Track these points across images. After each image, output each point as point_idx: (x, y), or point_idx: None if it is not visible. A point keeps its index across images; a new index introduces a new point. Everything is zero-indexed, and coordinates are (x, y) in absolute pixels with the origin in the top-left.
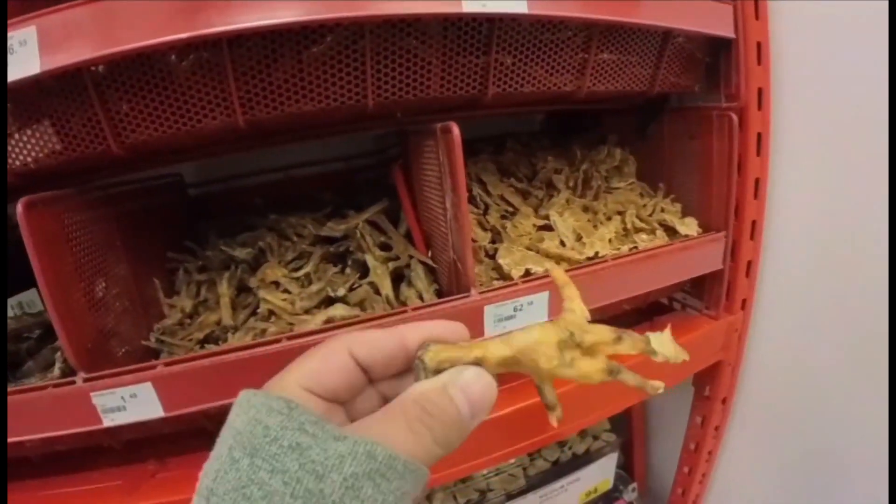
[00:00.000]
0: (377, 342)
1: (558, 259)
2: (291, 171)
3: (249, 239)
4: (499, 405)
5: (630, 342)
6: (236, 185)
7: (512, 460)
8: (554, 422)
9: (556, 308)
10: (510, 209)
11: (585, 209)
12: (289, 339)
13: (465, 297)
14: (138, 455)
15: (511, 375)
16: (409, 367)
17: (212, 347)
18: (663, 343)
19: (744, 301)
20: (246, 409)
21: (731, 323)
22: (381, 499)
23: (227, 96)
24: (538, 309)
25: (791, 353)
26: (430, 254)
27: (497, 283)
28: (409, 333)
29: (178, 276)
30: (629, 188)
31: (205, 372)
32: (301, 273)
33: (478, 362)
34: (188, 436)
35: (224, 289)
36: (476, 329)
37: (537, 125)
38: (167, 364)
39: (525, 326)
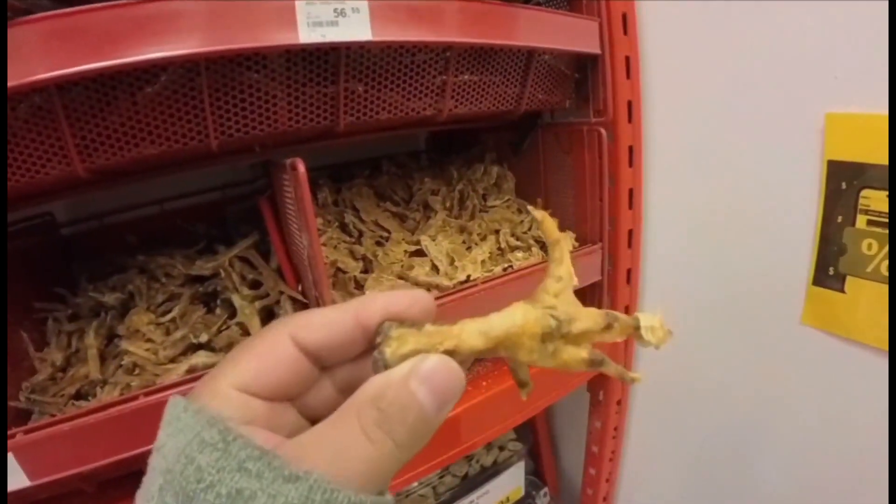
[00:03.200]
0: (326, 324)
1: (427, 286)
2: (166, 204)
3: (119, 282)
4: None
5: (619, 328)
6: (111, 221)
7: (418, 481)
8: (524, 396)
9: None
10: (385, 234)
11: (461, 230)
12: (146, 394)
13: None
14: None
15: None
16: (368, 349)
17: (82, 404)
18: (653, 328)
19: (626, 307)
20: (175, 432)
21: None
22: None
23: (63, 144)
24: None
25: (678, 350)
26: (300, 288)
27: None
28: (365, 308)
29: (49, 328)
30: (505, 206)
31: (66, 436)
32: (168, 318)
33: (449, 355)
34: (70, 497)
35: (91, 339)
36: None
37: (421, 143)
38: (26, 432)
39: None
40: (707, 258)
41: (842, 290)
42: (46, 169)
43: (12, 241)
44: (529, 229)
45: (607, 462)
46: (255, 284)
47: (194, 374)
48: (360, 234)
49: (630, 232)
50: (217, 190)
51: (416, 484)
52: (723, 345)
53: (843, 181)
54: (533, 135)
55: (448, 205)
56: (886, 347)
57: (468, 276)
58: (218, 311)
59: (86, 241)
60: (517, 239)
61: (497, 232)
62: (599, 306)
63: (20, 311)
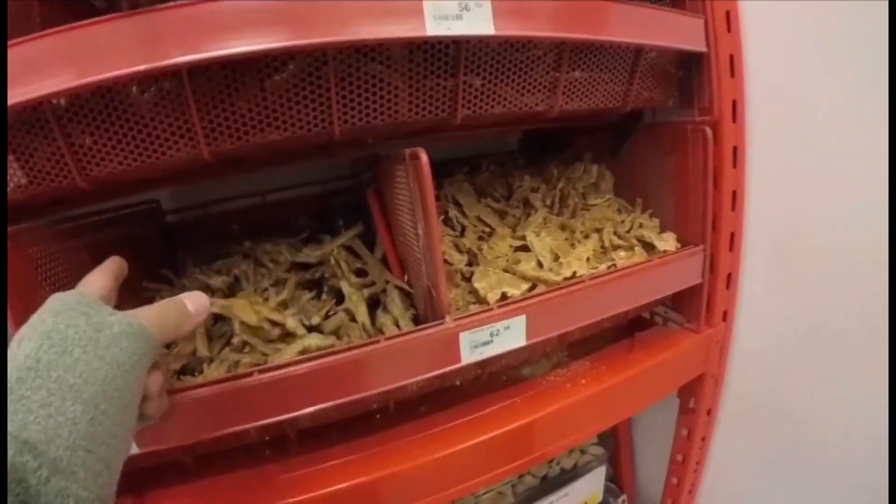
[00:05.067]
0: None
1: (535, 281)
2: (268, 196)
3: (224, 267)
4: (485, 428)
5: None
6: (214, 210)
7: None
8: None
9: (532, 330)
10: (487, 230)
11: (563, 227)
12: (261, 372)
13: (438, 324)
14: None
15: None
16: None
17: (188, 379)
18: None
19: (724, 313)
20: (52, 299)
21: (713, 335)
22: (132, 349)
23: (191, 127)
24: (515, 333)
25: (772, 360)
26: (405, 278)
27: (473, 308)
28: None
29: None
30: (606, 204)
31: (178, 409)
32: (276, 300)
33: None
34: (167, 469)
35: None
36: (452, 356)
37: (514, 144)
38: None
39: None
40: (807, 265)
41: None
42: (173, 150)
43: (119, 225)
44: (631, 229)
45: (691, 472)
46: (359, 273)
47: (306, 356)
48: (463, 228)
49: (732, 235)
50: (318, 184)
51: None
52: (823, 362)
53: None
54: (633, 135)
55: (548, 202)
56: None
57: (574, 273)
58: (324, 297)
59: (190, 229)
60: (620, 238)
61: (599, 230)
62: (697, 312)
63: (127, 292)
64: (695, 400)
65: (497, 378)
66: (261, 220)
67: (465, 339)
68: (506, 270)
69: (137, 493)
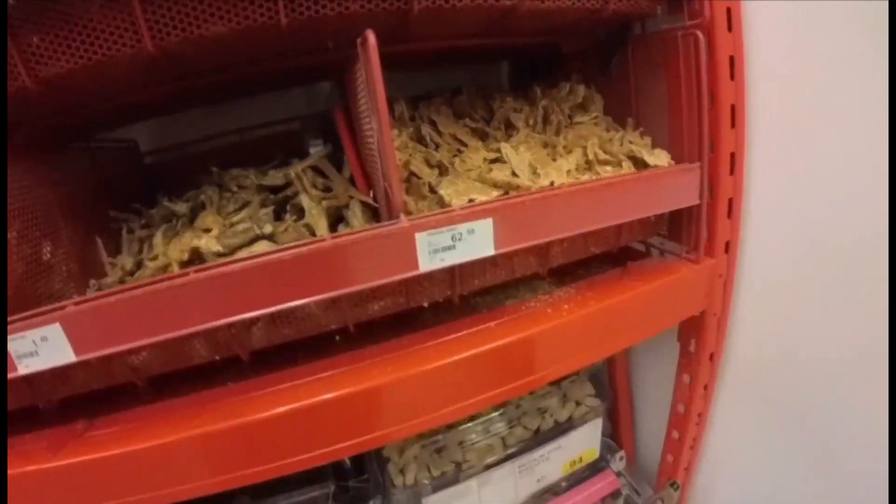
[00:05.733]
0: None
1: (507, 188)
2: (246, 134)
3: (192, 195)
4: (452, 350)
5: None
6: (192, 150)
7: (485, 430)
8: None
9: (501, 237)
10: (463, 148)
11: (545, 145)
12: (197, 271)
13: (392, 223)
14: (69, 415)
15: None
16: None
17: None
18: None
19: (727, 244)
20: None
21: (714, 267)
22: None
23: (134, 20)
24: (481, 239)
25: (783, 302)
26: (371, 195)
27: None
28: None
29: (123, 237)
30: (593, 122)
31: (114, 309)
32: (237, 218)
33: None
34: (120, 394)
35: (158, 240)
36: (409, 262)
37: (503, 79)
38: (77, 303)
39: None
40: (826, 196)
41: None
42: (118, 46)
43: (95, 160)
44: (620, 145)
45: (693, 425)
46: (326, 190)
47: (249, 255)
48: (437, 146)
49: (732, 155)
50: (296, 120)
51: (481, 431)
52: (840, 309)
53: None
54: (622, 50)
55: (531, 122)
56: None
57: (551, 183)
58: (286, 216)
59: (168, 170)
60: (606, 153)
61: (584, 147)
62: (697, 240)
63: (98, 224)
64: (696, 342)
65: (473, 306)
66: (239, 158)
67: (422, 241)
68: (477, 179)
69: (89, 416)
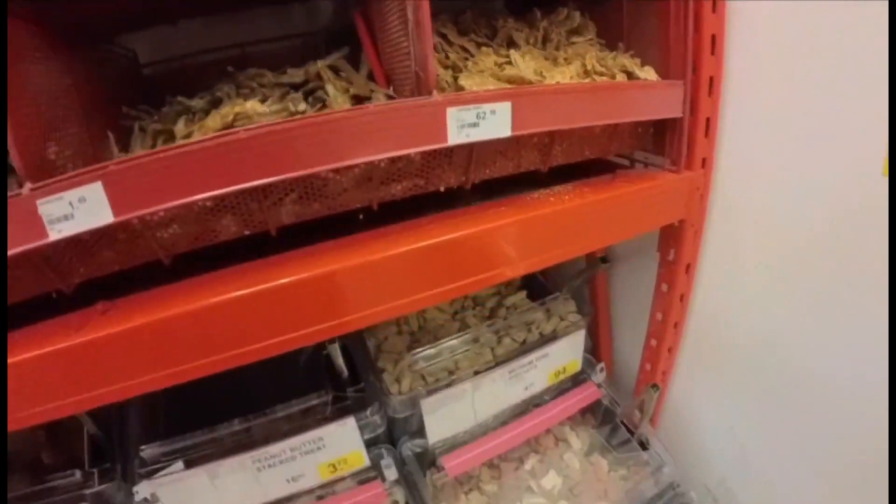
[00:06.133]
0: None
1: (520, 82)
2: (248, 48)
3: (207, 94)
4: (460, 226)
5: None
6: (192, 62)
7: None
8: None
9: (518, 121)
10: (470, 57)
11: (546, 58)
12: (247, 130)
13: (426, 98)
14: (87, 300)
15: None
16: None
17: None
18: None
19: (704, 160)
20: None
21: (693, 180)
22: None
23: None
24: (501, 118)
25: (753, 221)
26: (391, 88)
27: None
28: None
29: (133, 134)
30: (589, 44)
31: (157, 167)
32: (268, 103)
33: None
34: (140, 276)
35: (180, 126)
36: (439, 134)
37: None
38: (118, 163)
39: None
40: (793, 110)
41: None
42: None
43: (100, 62)
44: (615, 61)
45: (670, 333)
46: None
47: (302, 117)
48: (447, 55)
49: (711, 79)
50: (299, 37)
51: (471, 341)
52: (803, 207)
53: None
54: None
55: (531, 41)
56: None
57: (557, 83)
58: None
59: (167, 81)
60: (602, 66)
61: (583, 60)
62: (678, 152)
63: (106, 122)
64: (674, 252)
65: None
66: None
67: (452, 116)
68: (492, 76)
69: (108, 299)
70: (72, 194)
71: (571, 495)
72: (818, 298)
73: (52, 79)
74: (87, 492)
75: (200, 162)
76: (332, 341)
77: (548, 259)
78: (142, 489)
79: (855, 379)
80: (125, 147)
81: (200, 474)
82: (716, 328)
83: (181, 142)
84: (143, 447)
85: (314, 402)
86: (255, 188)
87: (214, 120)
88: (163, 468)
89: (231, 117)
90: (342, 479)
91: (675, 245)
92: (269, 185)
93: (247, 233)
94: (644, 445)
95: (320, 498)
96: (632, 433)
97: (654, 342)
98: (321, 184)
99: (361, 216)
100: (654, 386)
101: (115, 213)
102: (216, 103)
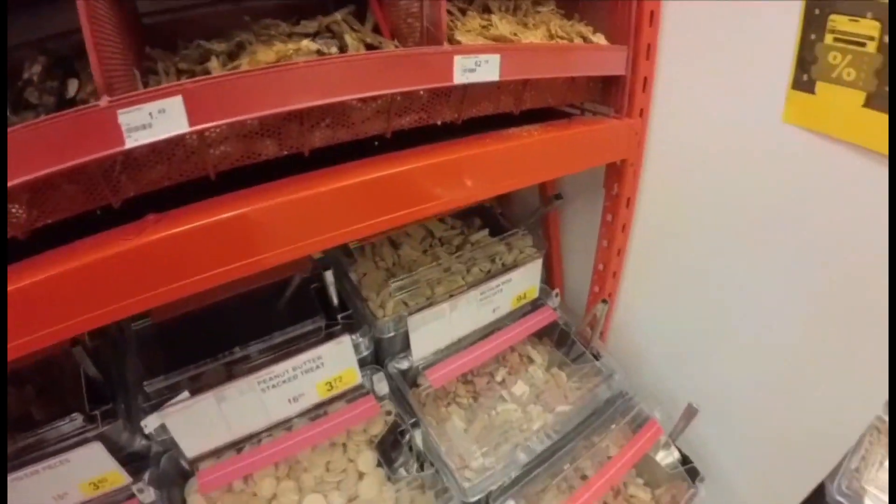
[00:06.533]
0: None
1: (503, 40)
2: (242, 3)
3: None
4: (448, 151)
5: None
6: (190, 15)
7: (446, 260)
8: None
9: (505, 69)
10: (454, 20)
11: (518, 24)
12: (306, 63)
13: (439, 47)
14: (137, 215)
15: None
16: None
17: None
18: None
19: (641, 110)
20: None
21: (632, 126)
22: None
23: None
24: (492, 67)
25: (681, 160)
26: (395, 41)
27: None
28: None
29: (157, 74)
30: (551, 12)
31: (229, 87)
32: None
33: None
34: (187, 190)
35: (214, 64)
36: (446, 75)
37: None
38: (194, 82)
39: None
40: (713, 70)
41: (812, 93)
42: None
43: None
44: (572, 28)
45: (615, 257)
46: None
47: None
48: None
49: (649, 45)
50: None
51: (444, 271)
52: (720, 148)
53: (816, 8)
54: None
55: (503, 9)
56: (846, 138)
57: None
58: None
59: (166, 32)
60: (563, 31)
61: (546, 25)
62: (621, 103)
63: (126, 65)
64: (618, 186)
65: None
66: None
67: (458, 62)
68: (479, 35)
69: (160, 209)
70: (153, 106)
71: (538, 401)
72: (733, 221)
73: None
74: (91, 434)
75: (263, 84)
76: (326, 268)
77: (520, 182)
78: (150, 422)
79: (769, 285)
80: (146, 85)
81: (209, 398)
82: (654, 253)
83: (246, 68)
84: (146, 382)
85: (309, 327)
86: (300, 111)
87: (267, 54)
88: (168, 400)
89: (290, 52)
90: (336, 399)
91: (618, 181)
92: (311, 109)
93: (284, 153)
94: (596, 357)
95: (314, 419)
96: (585, 347)
97: (601, 267)
98: (350, 111)
99: (377, 143)
100: (604, 301)
101: (192, 123)
102: (241, 46)
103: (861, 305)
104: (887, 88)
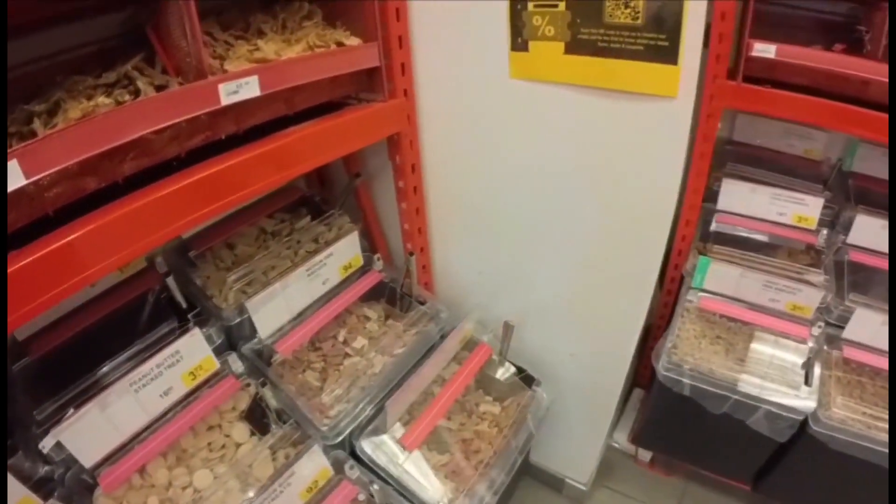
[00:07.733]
0: None
1: (264, 61)
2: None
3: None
4: (250, 149)
5: None
6: (13, 76)
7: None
8: None
9: (264, 84)
10: (231, 46)
11: (284, 41)
12: (106, 112)
13: (204, 80)
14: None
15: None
16: None
17: None
18: None
19: (405, 90)
20: None
21: (398, 105)
22: None
23: None
24: (253, 86)
25: (450, 124)
26: (179, 78)
27: None
28: None
29: None
30: (315, 25)
31: (54, 141)
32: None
33: None
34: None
35: (38, 125)
36: (213, 100)
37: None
38: (25, 145)
39: None
40: (456, 49)
41: (527, 51)
42: None
43: None
44: (331, 36)
45: (414, 215)
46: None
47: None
48: (215, 50)
49: (400, 37)
50: (93, 44)
51: (274, 256)
52: (470, 106)
53: None
54: None
55: (275, 29)
56: (557, 80)
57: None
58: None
59: None
60: (321, 41)
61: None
62: (382, 88)
63: None
64: (399, 156)
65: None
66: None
67: (222, 88)
68: (246, 60)
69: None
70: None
71: (379, 348)
72: (506, 167)
73: None
74: None
75: (76, 136)
76: (167, 275)
77: (300, 169)
78: (47, 443)
79: (546, 209)
80: None
81: (92, 410)
82: (451, 206)
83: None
84: (35, 411)
85: (165, 330)
86: (109, 151)
87: (75, 111)
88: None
89: (91, 108)
90: (201, 386)
91: (398, 152)
92: (116, 148)
93: (104, 185)
94: (422, 303)
95: (186, 406)
96: (409, 295)
97: (406, 226)
98: (148, 143)
99: (175, 163)
100: (411, 253)
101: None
102: (57, 104)
103: (617, 207)
104: (580, 37)
